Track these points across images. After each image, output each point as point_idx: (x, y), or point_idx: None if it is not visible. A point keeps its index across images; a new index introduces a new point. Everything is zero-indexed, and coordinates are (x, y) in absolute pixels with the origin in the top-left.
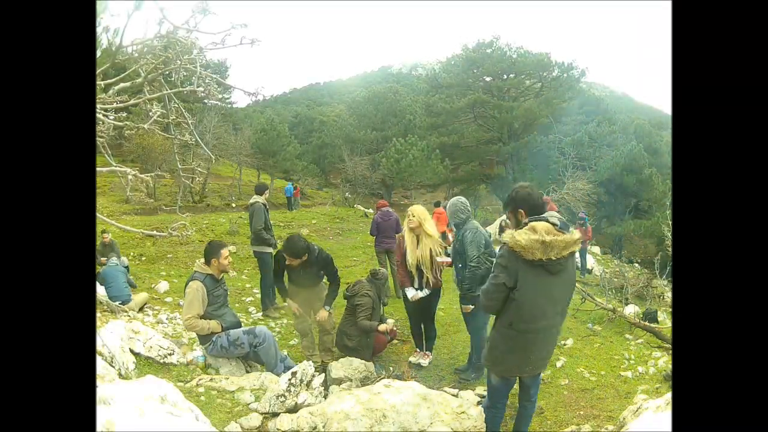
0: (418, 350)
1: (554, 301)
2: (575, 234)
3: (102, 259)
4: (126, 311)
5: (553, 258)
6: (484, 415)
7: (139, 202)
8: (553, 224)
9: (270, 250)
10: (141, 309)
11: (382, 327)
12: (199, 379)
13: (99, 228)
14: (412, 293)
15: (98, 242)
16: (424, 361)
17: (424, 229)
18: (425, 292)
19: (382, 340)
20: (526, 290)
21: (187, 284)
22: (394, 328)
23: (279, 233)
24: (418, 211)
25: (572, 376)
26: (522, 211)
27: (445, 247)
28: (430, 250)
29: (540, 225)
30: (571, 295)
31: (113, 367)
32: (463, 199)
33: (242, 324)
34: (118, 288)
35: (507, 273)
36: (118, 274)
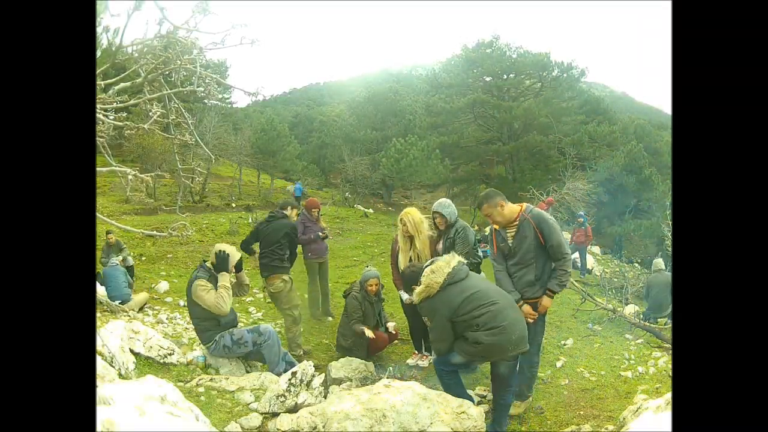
0: (416, 352)
1: (487, 287)
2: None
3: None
4: (126, 311)
5: (448, 271)
6: (483, 415)
7: (139, 202)
8: (431, 263)
9: None
10: (141, 309)
11: (368, 333)
12: (199, 379)
13: (99, 228)
14: (405, 297)
15: (103, 243)
16: (423, 363)
17: (419, 234)
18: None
19: (382, 339)
20: (460, 301)
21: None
22: (395, 332)
23: None
24: (411, 216)
25: (572, 376)
26: (414, 286)
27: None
28: (424, 252)
29: (423, 273)
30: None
31: (113, 367)
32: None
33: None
34: (118, 288)
35: (436, 312)
36: (117, 274)
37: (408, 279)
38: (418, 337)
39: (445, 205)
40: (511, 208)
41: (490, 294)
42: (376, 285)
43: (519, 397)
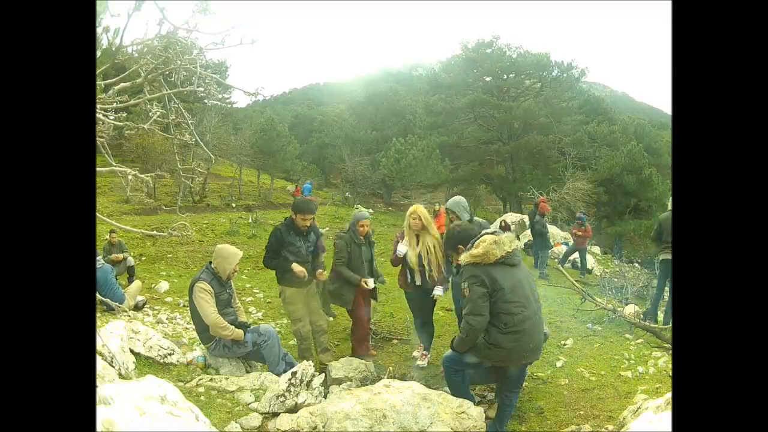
0: (421, 345)
1: (529, 288)
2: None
3: (112, 256)
4: (126, 310)
5: (509, 250)
6: (483, 415)
7: (139, 202)
8: (492, 232)
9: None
10: (139, 308)
11: (369, 282)
12: (199, 379)
13: (99, 228)
14: (439, 291)
15: (105, 242)
16: (422, 362)
17: (428, 229)
18: (441, 289)
19: (363, 330)
20: (504, 286)
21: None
22: (373, 286)
23: None
24: (422, 211)
25: (572, 376)
26: (461, 246)
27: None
28: (433, 246)
29: (482, 239)
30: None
31: (113, 367)
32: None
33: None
34: (111, 288)
35: (481, 282)
36: (108, 275)
37: (456, 237)
38: (423, 334)
39: (456, 202)
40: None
41: (527, 296)
42: (367, 225)
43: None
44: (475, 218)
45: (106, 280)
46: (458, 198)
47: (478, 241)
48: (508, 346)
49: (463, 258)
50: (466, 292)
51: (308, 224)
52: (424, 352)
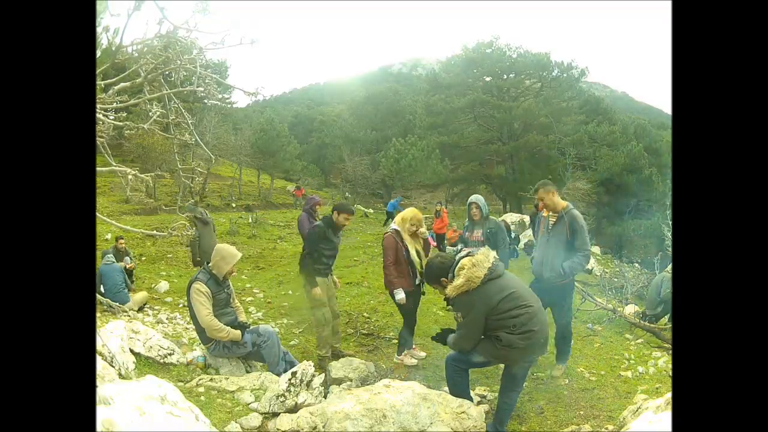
0: (407, 351)
1: (523, 287)
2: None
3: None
4: (126, 311)
5: (489, 266)
6: (483, 415)
7: (139, 202)
8: (467, 255)
9: None
10: (141, 309)
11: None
12: (199, 379)
13: (99, 228)
14: (401, 295)
15: (111, 247)
16: (421, 353)
17: (404, 232)
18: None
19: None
20: (501, 298)
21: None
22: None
23: (279, 233)
24: (400, 215)
25: (572, 376)
26: (444, 279)
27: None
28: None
29: (460, 265)
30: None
31: (113, 367)
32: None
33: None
34: (115, 287)
35: (476, 310)
36: (114, 273)
37: (436, 270)
38: (410, 337)
39: (480, 197)
40: (559, 200)
41: (526, 296)
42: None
43: (560, 359)
44: (490, 217)
45: (114, 279)
46: (480, 197)
47: (456, 269)
48: (522, 345)
49: (450, 292)
50: (460, 319)
51: (349, 224)
52: (413, 351)
